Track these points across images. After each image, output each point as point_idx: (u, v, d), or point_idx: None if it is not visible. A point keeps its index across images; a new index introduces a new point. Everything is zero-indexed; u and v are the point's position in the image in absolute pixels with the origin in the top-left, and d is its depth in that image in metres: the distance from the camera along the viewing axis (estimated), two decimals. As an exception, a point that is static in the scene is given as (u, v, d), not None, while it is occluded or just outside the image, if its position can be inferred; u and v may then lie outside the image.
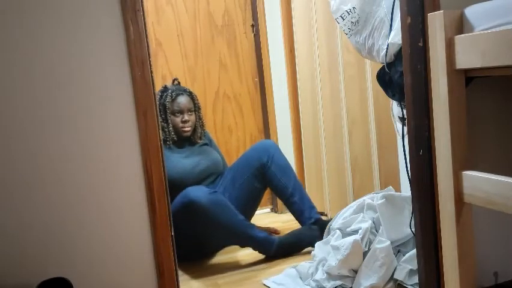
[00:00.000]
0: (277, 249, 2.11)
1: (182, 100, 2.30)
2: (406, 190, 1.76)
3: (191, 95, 2.35)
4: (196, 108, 2.36)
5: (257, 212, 2.50)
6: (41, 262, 1.28)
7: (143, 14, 1.32)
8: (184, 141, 2.35)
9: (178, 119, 2.29)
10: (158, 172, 1.36)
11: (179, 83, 2.42)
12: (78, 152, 1.29)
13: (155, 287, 1.40)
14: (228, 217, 2.03)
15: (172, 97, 2.28)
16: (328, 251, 1.79)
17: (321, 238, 1.97)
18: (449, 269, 1.23)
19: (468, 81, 1.17)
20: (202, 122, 2.43)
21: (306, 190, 2.82)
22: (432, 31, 1.16)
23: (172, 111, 2.28)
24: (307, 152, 2.77)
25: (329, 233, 1.92)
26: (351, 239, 1.71)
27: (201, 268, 2.09)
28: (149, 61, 1.33)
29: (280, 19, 2.80)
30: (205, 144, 2.44)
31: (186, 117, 2.29)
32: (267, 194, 2.68)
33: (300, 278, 1.85)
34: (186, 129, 2.30)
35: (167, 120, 2.28)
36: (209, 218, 1.98)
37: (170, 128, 2.28)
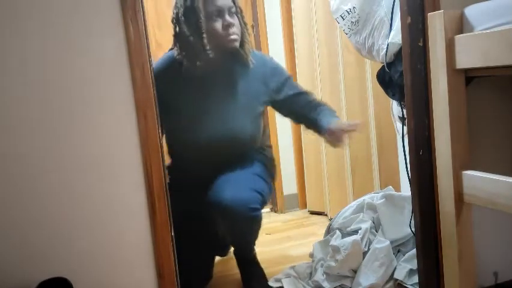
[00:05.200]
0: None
1: None
2: (406, 190, 1.76)
3: None
4: (237, 9, 1.65)
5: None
6: (40, 262, 1.28)
7: (144, 15, 1.31)
8: (225, 60, 1.67)
9: (218, 24, 1.58)
10: (158, 172, 1.36)
11: None
12: (77, 152, 1.29)
13: None
14: None
15: None
16: (327, 251, 1.79)
17: None
18: (449, 269, 1.23)
19: (468, 80, 1.17)
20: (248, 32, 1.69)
21: (306, 190, 2.83)
22: (432, 31, 1.16)
23: (206, 14, 1.57)
24: (307, 152, 2.77)
25: (328, 233, 1.92)
26: (350, 239, 1.71)
27: (201, 268, 2.08)
28: (150, 61, 1.33)
29: (280, 19, 2.80)
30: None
31: (229, 19, 1.59)
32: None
33: (299, 278, 1.85)
34: (232, 36, 1.59)
35: (200, 29, 1.57)
36: None
37: (205, 41, 1.57)
